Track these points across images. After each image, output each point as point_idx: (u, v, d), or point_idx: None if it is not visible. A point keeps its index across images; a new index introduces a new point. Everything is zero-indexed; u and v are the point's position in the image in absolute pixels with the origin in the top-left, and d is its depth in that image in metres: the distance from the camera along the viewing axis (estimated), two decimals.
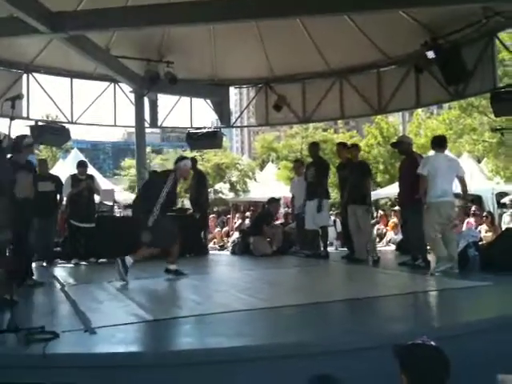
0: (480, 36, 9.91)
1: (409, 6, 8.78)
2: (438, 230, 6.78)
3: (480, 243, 7.62)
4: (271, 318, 4.43)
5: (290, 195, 11.32)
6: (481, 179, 16.64)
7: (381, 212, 14.88)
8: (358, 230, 8.33)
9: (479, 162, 21.64)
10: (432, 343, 2.30)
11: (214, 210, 23.13)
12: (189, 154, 27.83)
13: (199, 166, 12.32)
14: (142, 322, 4.18)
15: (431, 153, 7.95)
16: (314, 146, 10.40)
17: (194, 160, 11.92)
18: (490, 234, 10.72)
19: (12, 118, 4.19)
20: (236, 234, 12.19)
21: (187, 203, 11.87)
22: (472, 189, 15.48)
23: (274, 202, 11.28)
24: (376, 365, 3.24)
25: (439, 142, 7.26)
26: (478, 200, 15.98)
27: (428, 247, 7.76)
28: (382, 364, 3.15)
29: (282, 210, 12.99)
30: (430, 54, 9.68)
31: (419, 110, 29.11)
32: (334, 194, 24.46)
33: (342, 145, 9.92)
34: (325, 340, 3.61)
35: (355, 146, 9.50)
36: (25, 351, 3.33)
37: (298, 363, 3.26)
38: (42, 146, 34.28)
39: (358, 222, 8.29)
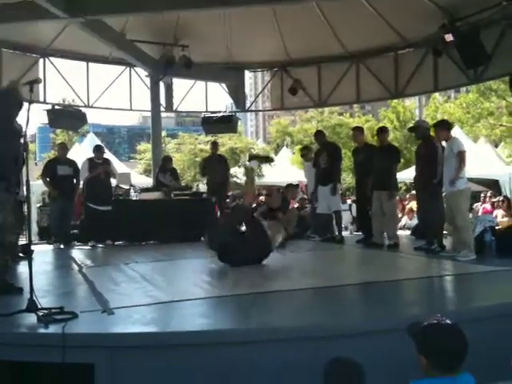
0: (499, 18, 9.74)
1: None
2: None
3: (496, 228, 7.55)
4: (287, 301, 4.45)
5: (304, 179, 11.32)
6: (498, 164, 16.43)
7: (397, 198, 14.75)
8: (381, 215, 8.26)
9: (496, 146, 21.37)
10: (448, 321, 2.30)
11: (229, 194, 23.15)
12: (204, 138, 27.94)
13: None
14: (159, 303, 4.23)
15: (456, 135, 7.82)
16: (319, 134, 10.29)
17: (215, 143, 11.95)
18: (506, 218, 10.62)
19: (30, 102, 4.22)
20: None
21: (202, 187, 11.89)
22: (489, 173, 15.36)
23: (291, 187, 11.26)
24: (394, 348, 3.26)
25: None
26: (494, 184, 15.81)
27: (445, 232, 7.76)
28: (400, 347, 3.17)
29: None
30: (449, 37, 9.54)
31: (436, 94, 28.76)
32: (349, 179, 24.50)
33: (358, 129, 9.82)
34: (342, 323, 3.63)
35: (384, 130, 9.24)
36: (44, 331, 3.39)
37: (314, 346, 3.28)
38: (58, 130, 34.70)
39: (382, 207, 8.22)
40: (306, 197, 11.90)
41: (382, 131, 8.89)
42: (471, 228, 6.95)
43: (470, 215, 9.65)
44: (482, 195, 13.32)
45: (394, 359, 3.24)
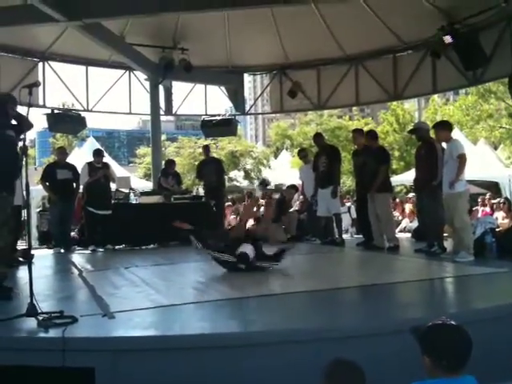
0: (498, 20, 9.75)
1: None
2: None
3: (497, 230, 7.54)
4: (287, 304, 4.44)
5: (299, 181, 11.33)
6: (497, 166, 16.42)
7: (397, 200, 14.77)
8: (376, 218, 8.28)
9: (496, 148, 21.36)
10: (452, 322, 2.30)
11: (229, 197, 23.18)
12: (203, 141, 27.96)
13: (213, 154, 12.29)
14: (159, 306, 4.22)
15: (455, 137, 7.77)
16: (318, 137, 10.24)
17: (207, 147, 11.95)
18: (506, 220, 10.62)
19: (29, 105, 4.22)
20: (251, 222, 12.17)
21: (201, 191, 11.89)
22: (488, 175, 15.36)
23: (289, 188, 11.28)
24: (393, 350, 3.25)
25: None
26: (494, 187, 15.82)
27: (446, 234, 7.74)
28: (400, 349, 3.17)
29: (297, 197, 12.93)
30: (448, 39, 9.55)
31: (435, 96, 28.78)
32: (349, 182, 24.47)
33: (358, 131, 9.80)
34: (341, 325, 3.62)
35: (372, 133, 9.32)
36: (44, 335, 3.37)
37: (315, 348, 3.27)
38: (58, 135, 34.70)
39: (376, 209, 8.23)
40: (302, 198, 11.86)
41: (367, 134, 8.96)
42: (471, 230, 6.94)
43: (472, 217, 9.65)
44: (480, 200, 13.27)
45: (395, 361, 3.23)
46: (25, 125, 4.71)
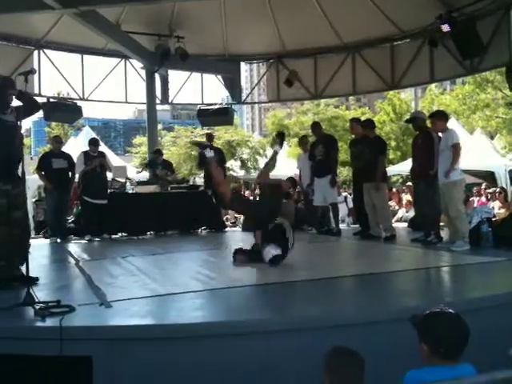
0: (496, 9, 9.72)
1: None
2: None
3: (493, 219, 7.56)
4: (284, 293, 4.45)
5: (297, 170, 11.30)
6: (493, 156, 16.43)
7: (393, 190, 14.77)
8: (372, 208, 8.30)
9: (492, 138, 21.36)
10: (450, 311, 2.32)
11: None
12: (200, 131, 27.88)
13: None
14: (156, 295, 4.22)
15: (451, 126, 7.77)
16: (316, 126, 10.16)
17: (210, 135, 11.86)
18: (503, 210, 10.65)
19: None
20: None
21: (198, 181, 11.87)
22: (484, 165, 15.38)
23: (287, 180, 11.25)
24: (390, 338, 3.26)
25: None
26: (490, 176, 15.84)
27: (442, 223, 7.76)
28: (396, 338, 3.18)
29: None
30: (445, 28, 9.52)
31: (432, 86, 28.72)
32: (345, 171, 24.45)
33: (355, 120, 9.77)
34: (339, 314, 3.63)
35: (369, 123, 9.30)
36: (41, 324, 3.37)
37: (311, 337, 3.28)
38: (53, 124, 34.52)
39: (372, 199, 8.25)
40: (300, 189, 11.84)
41: (364, 124, 8.93)
42: (466, 219, 6.96)
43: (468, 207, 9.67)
44: (475, 190, 13.26)
45: (393, 349, 3.24)
46: (30, 105, 4.57)
